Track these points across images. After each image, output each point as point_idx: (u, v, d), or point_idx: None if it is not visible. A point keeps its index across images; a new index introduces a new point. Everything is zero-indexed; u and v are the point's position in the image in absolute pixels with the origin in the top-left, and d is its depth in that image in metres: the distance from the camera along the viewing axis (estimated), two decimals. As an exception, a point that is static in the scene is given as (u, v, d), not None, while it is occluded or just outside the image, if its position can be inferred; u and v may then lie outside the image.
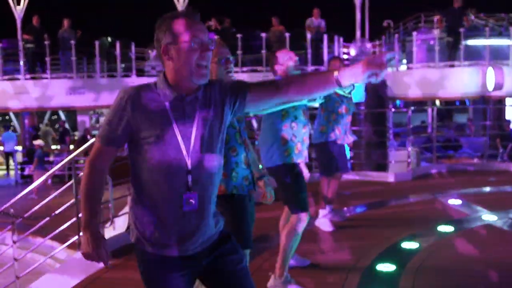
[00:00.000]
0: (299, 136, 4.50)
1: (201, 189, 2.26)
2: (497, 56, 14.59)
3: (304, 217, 4.39)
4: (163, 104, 2.21)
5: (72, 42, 15.56)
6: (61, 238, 6.53)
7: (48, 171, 12.83)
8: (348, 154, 11.71)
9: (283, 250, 4.40)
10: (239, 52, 14.91)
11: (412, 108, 11.20)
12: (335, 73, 2.12)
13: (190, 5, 17.94)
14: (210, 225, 2.34)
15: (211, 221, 2.35)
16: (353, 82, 2.13)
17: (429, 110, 17.62)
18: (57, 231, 5.98)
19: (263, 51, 14.82)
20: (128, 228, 2.40)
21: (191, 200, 2.23)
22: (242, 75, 14.70)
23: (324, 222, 6.39)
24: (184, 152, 2.21)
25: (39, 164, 13.64)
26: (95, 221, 2.28)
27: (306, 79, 2.22)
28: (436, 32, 15.06)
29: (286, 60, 4.47)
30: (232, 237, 2.48)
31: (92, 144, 5.85)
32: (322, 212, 6.43)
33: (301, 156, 4.52)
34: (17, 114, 20.71)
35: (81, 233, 2.34)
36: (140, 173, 2.26)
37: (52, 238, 6.44)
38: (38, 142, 14.32)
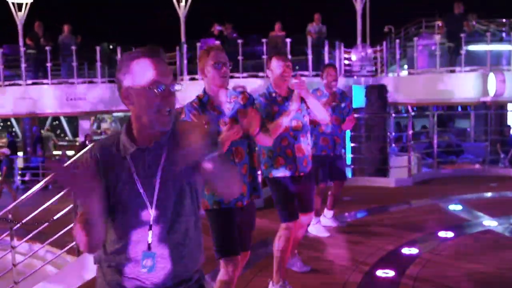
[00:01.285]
0: (278, 151, 4.43)
1: (165, 247, 2.05)
2: (498, 61, 14.57)
3: (291, 226, 4.44)
4: (124, 159, 2.04)
5: (73, 47, 15.59)
6: (59, 244, 6.51)
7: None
8: (349, 160, 11.76)
9: (276, 257, 4.43)
10: (240, 57, 14.91)
11: (413, 113, 11.19)
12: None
13: (192, 10, 17.99)
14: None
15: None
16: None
17: (430, 115, 17.60)
18: (55, 236, 5.97)
19: (264, 57, 14.81)
20: None
21: (148, 260, 2.04)
22: (242, 81, 14.71)
23: (316, 228, 6.37)
24: (148, 205, 2.03)
25: (8, 173, 13.63)
26: None
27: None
28: (437, 38, 15.04)
29: (277, 67, 4.42)
30: None
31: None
32: (315, 219, 6.39)
33: (284, 169, 4.47)
34: (18, 119, 20.76)
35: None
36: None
37: (51, 244, 6.43)
38: (3, 150, 14.27)
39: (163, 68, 2.02)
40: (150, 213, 2.03)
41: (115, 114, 22.33)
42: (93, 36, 18.14)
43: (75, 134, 23.25)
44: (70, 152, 18.80)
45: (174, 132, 2.03)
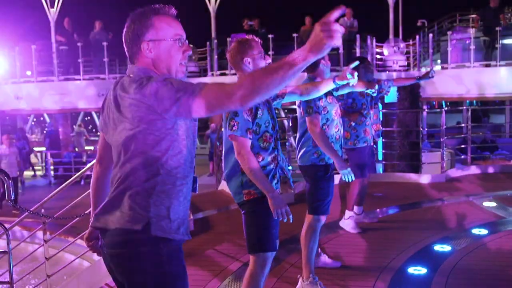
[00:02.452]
0: (331, 137, 4.47)
1: None
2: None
3: (323, 219, 4.45)
4: None
5: (105, 43, 15.77)
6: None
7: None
8: (381, 155, 11.64)
9: (305, 251, 4.42)
10: (271, 52, 14.87)
11: (446, 108, 11.02)
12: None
13: (222, 5, 18.02)
14: None
15: None
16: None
17: (465, 110, 17.34)
18: (87, 230, 6.02)
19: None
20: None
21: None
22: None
23: (348, 223, 6.32)
24: None
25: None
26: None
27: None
28: (471, 32, 14.79)
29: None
30: None
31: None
32: (348, 214, 6.36)
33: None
34: (51, 115, 21.14)
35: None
36: None
37: (83, 238, 6.49)
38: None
39: (180, 25, 2.28)
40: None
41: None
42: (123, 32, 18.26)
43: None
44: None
45: None
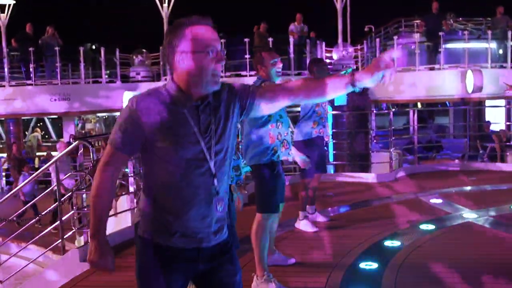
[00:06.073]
0: (285, 135, 4.56)
1: (222, 190, 2.31)
2: (476, 59, 14.80)
3: (272, 217, 4.53)
4: (181, 111, 2.21)
5: (56, 48, 15.54)
6: (45, 243, 6.51)
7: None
8: (332, 156, 11.87)
9: (257, 250, 4.46)
10: (222, 57, 14.95)
11: (393, 110, 11.34)
12: (351, 77, 2.22)
13: (174, 12, 17.99)
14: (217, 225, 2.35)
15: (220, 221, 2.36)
16: (368, 85, 2.23)
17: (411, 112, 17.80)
18: (40, 235, 5.97)
19: (247, 56, 14.88)
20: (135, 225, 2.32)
21: (219, 204, 2.29)
22: (226, 80, 14.76)
23: (304, 223, 6.40)
24: (208, 156, 2.23)
25: None
26: (103, 228, 2.27)
27: (320, 83, 2.29)
28: (416, 37, 15.24)
29: (272, 64, 4.51)
30: (233, 248, 2.45)
31: (74, 147, 5.88)
32: (302, 214, 6.45)
33: (286, 153, 4.59)
34: (1, 121, 20.65)
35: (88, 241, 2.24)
36: (157, 178, 2.26)
37: (36, 243, 6.42)
38: None
39: (215, 35, 2.22)
40: (211, 165, 2.26)
41: (98, 114, 22.23)
42: (76, 37, 18.10)
43: (59, 135, 23.08)
44: (54, 153, 18.73)
45: (220, 88, 2.27)
